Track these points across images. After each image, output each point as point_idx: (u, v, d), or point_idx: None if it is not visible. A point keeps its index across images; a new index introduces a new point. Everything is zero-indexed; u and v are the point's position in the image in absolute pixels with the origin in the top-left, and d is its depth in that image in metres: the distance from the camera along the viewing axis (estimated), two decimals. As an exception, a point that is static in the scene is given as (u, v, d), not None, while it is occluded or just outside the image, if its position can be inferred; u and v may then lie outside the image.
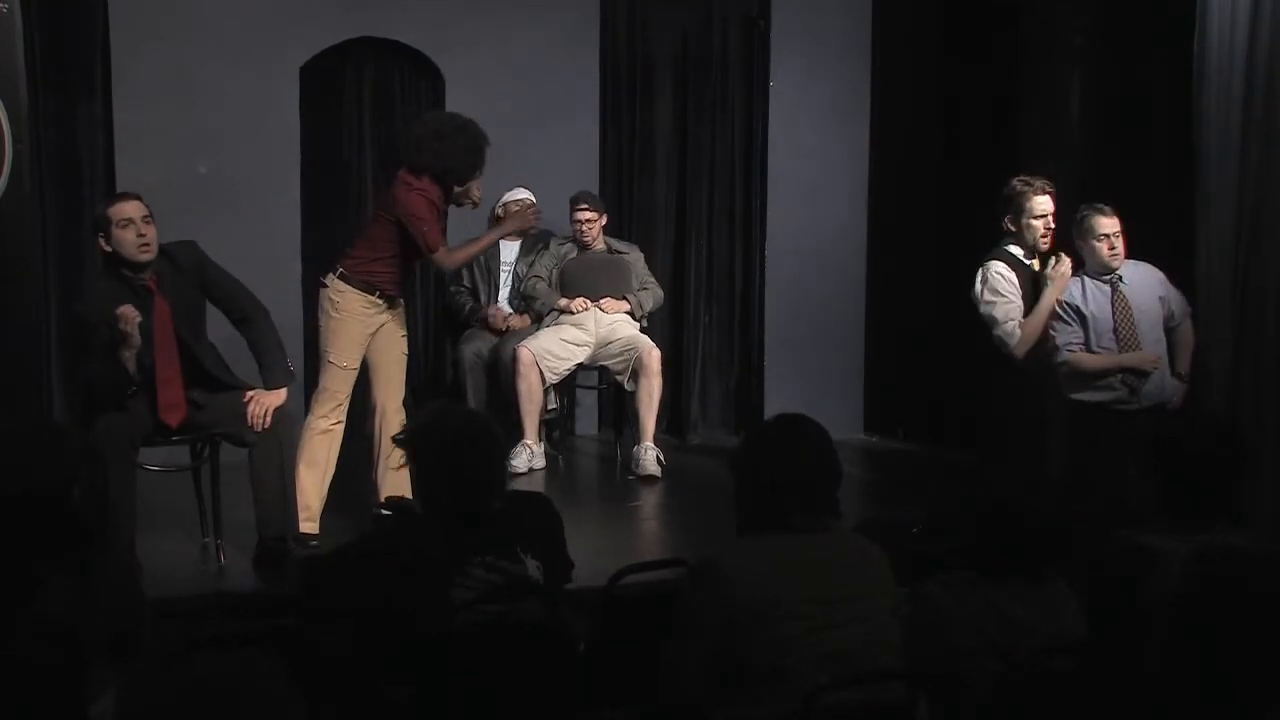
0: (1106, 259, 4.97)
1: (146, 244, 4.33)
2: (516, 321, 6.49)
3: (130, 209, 4.33)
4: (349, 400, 4.86)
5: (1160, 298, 5.05)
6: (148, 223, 4.34)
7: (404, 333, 4.99)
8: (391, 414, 4.86)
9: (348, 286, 4.79)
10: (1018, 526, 2.86)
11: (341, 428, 4.83)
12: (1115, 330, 4.97)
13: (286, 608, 3.80)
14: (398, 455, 4.82)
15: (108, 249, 4.34)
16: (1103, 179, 5.82)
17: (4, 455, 2.60)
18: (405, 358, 5.00)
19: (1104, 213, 4.99)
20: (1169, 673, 2.08)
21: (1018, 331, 5.11)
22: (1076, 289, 5.03)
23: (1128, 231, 5.05)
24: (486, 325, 6.50)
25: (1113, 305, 4.98)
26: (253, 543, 4.50)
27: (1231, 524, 2.98)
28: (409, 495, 4.83)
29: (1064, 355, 4.99)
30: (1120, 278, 5.01)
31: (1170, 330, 5.08)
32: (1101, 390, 4.97)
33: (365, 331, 4.81)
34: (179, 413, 4.42)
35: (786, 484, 2.86)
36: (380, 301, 4.83)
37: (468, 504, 3.07)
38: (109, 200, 4.44)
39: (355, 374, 4.83)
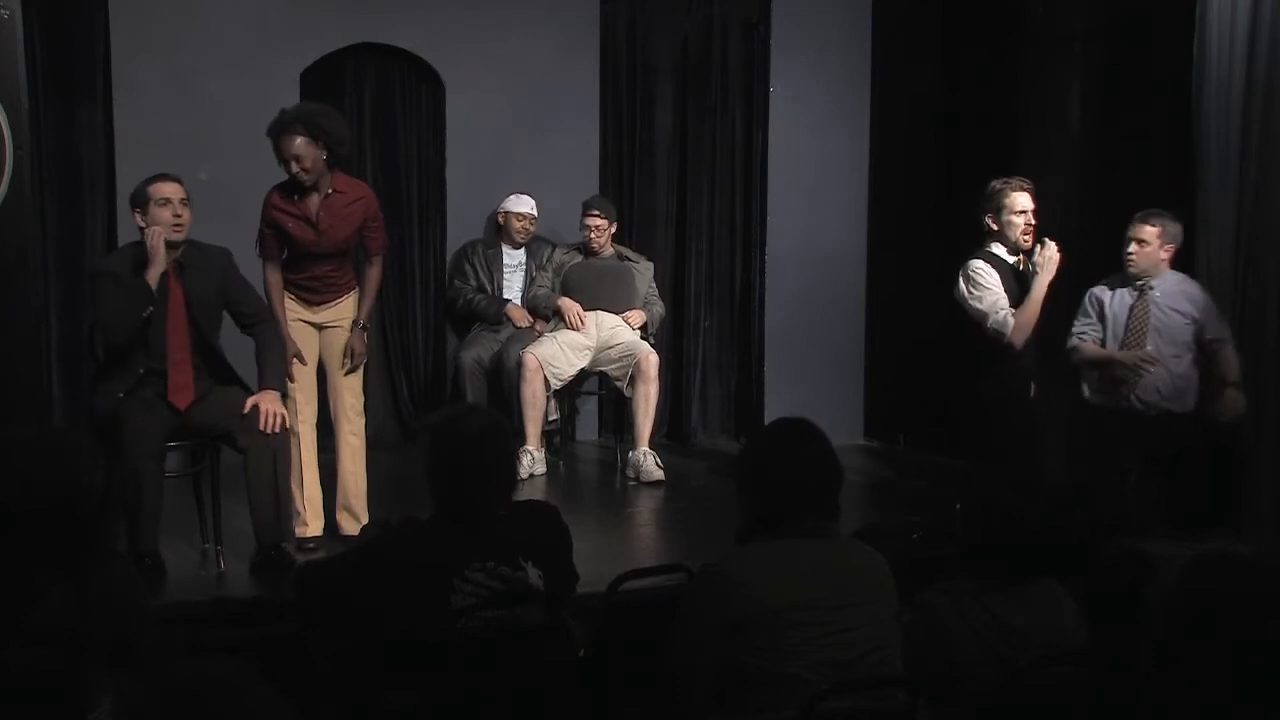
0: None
1: (180, 224, 4.47)
2: (538, 323, 6.47)
3: (169, 189, 4.47)
4: (310, 402, 4.90)
5: (1190, 315, 5.02)
6: (184, 204, 4.49)
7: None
8: (344, 408, 4.95)
9: (286, 290, 4.92)
10: (1014, 531, 2.86)
11: (307, 427, 4.88)
12: (1125, 330, 5.02)
13: (286, 614, 3.79)
14: (349, 451, 4.91)
15: (142, 224, 4.46)
16: (1102, 183, 5.82)
17: (11, 462, 2.60)
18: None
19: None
20: (1167, 679, 2.08)
21: (1011, 319, 5.12)
22: (1107, 290, 5.11)
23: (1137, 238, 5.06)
24: (507, 318, 6.52)
25: (1131, 308, 5.03)
26: (252, 548, 4.51)
27: (1233, 532, 2.98)
28: (362, 510, 4.90)
29: (1072, 341, 5.12)
30: (1151, 285, 5.04)
31: (1213, 353, 5.01)
32: (1110, 397, 5.02)
33: (296, 333, 4.87)
34: (187, 395, 4.49)
35: (788, 487, 2.86)
36: (297, 305, 4.89)
37: (475, 506, 3.06)
38: (150, 179, 4.55)
39: (304, 374, 4.87)
